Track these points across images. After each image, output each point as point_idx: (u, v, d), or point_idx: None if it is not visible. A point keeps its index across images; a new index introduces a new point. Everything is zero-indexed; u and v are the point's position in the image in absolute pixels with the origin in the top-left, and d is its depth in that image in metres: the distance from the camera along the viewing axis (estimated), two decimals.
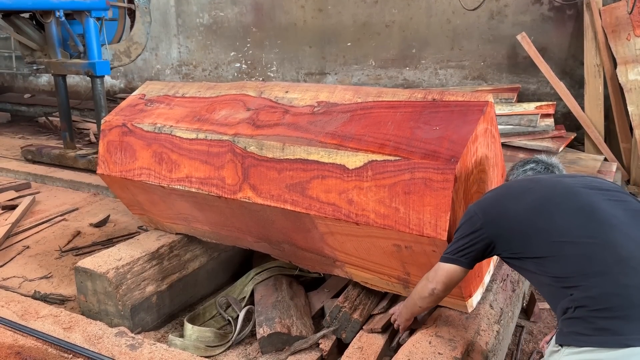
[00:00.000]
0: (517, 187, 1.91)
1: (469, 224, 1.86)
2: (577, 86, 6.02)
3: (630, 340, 1.44)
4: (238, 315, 2.86)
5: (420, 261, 2.18)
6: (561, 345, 1.57)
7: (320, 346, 2.54)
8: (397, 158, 2.11)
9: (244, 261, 3.57)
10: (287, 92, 2.74)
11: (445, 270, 1.88)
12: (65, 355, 2.26)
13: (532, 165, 2.09)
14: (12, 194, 5.02)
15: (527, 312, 3.11)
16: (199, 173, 2.68)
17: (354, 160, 2.21)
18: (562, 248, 1.63)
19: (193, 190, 2.69)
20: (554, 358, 1.59)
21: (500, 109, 5.33)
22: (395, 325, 2.37)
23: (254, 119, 2.64)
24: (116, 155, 3.03)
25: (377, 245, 2.25)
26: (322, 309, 2.94)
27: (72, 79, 9.53)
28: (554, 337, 1.65)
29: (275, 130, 2.52)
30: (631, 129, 5.28)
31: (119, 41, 6.20)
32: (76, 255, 3.85)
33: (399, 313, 2.31)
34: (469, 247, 1.83)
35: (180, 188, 2.73)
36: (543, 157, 2.12)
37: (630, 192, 2.07)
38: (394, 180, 2.10)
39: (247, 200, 2.50)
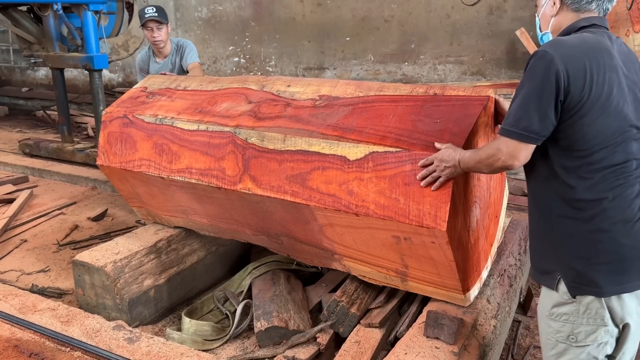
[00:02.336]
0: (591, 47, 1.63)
1: (538, 63, 1.59)
2: None
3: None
4: (236, 309, 2.86)
5: (419, 253, 2.18)
6: (572, 294, 1.68)
7: (318, 340, 2.54)
8: (399, 149, 2.11)
9: (242, 255, 3.57)
10: (289, 86, 2.74)
11: (524, 150, 1.63)
12: (63, 348, 2.26)
13: None
14: (9, 187, 5.01)
15: (524, 307, 3.12)
16: (199, 164, 2.67)
17: (355, 151, 2.21)
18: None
19: (193, 181, 2.68)
20: (572, 308, 1.70)
21: None
22: (435, 178, 1.98)
23: (255, 112, 2.64)
24: (116, 147, 3.02)
25: (376, 237, 2.25)
26: (320, 303, 2.94)
27: (70, 73, 9.50)
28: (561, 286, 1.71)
29: (276, 122, 2.52)
30: None
31: (117, 35, 6.18)
32: (74, 249, 3.85)
33: (457, 159, 1.88)
34: (543, 105, 1.58)
35: (180, 179, 2.73)
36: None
37: None
38: (395, 172, 2.10)
39: (247, 192, 2.50)
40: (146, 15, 3.77)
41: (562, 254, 1.70)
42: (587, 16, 1.74)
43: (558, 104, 1.58)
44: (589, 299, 1.66)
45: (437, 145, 2.03)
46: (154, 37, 3.83)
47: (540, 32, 1.89)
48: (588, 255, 1.65)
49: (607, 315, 1.66)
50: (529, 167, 1.76)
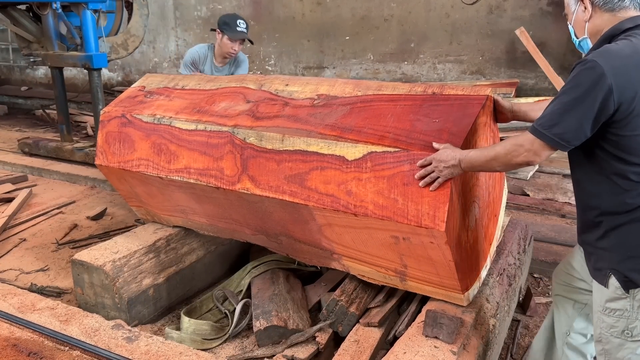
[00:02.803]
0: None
1: (587, 73, 1.56)
2: None
3: None
4: (235, 309, 2.86)
5: (418, 253, 2.18)
6: (625, 289, 1.72)
7: (317, 339, 2.54)
8: (397, 149, 2.11)
9: (241, 254, 3.57)
10: (287, 85, 2.73)
11: (549, 152, 1.67)
12: (62, 347, 2.26)
13: None
14: (8, 186, 5.01)
15: (523, 306, 3.12)
16: (197, 164, 2.67)
17: (353, 151, 2.21)
18: None
19: (191, 181, 2.68)
20: (626, 303, 1.74)
21: None
22: (433, 178, 1.96)
23: (253, 111, 2.63)
24: (115, 146, 3.02)
25: (375, 237, 2.25)
26: (319, 302, 2.94)
27: (70, 72, 9.51)
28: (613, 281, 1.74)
29: (274, 121, 2.51)
30: None
31: (116, 34, 6.18)
32: (73, 248, 3.85)
33: (457, 159, 1.88)
34: (581, 117, 1.58)
35: (179, 179, 2.73)
36: None
37: None
38: (393, 172, 2.10)
39: (245, 192, 2.49)
40: (239, 29, 3.80)
41: (613, 251, 1.73)
42: (626, 15, 1.69)
43: (600, 118, 1.58)
44: None
45: (435, 145, 2.02)
46: (234, 50, 3.87)
47: (577, 38, 1.85)
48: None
49: None
50: (578, 169, 1.80)
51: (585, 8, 1.76)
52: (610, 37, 1.70)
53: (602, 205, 1.73)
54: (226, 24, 3.83)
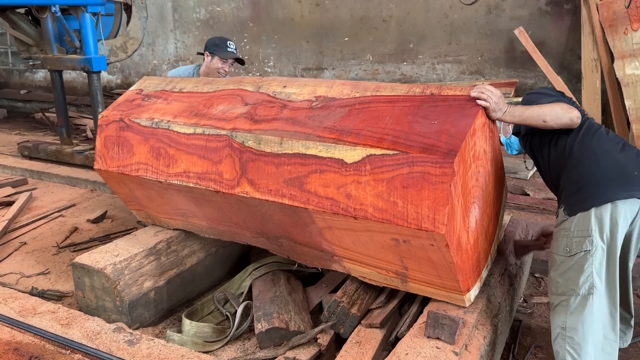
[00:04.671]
0: None
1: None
2: (574, 80, 6.03)
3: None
4: (236, 311, 2.86)
5: (418, 255, 2.18)
6: (569, 215, 2.23)
7: (319, 341, 2.54)
8: (396, 152, 2.11)
9: (242, 256, 3.56)
10: (285, 86, 2.73)
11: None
12: (63, 351, 2.26)
13: None
14: (8, 190, 5.01)
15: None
16: (196, 168, 2.67)
17: (352, 154, 2.20)
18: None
19: (191, 185, 2.68)
20: (567, 224, 2.22)
21: None
22: (486, 98, 2.23)
23: (251, 114, 2.63)
24: (113, 151, 3.02)
25: (375, 239, 2.25)
26: (320, 304, 2.94)
27: (69, 75, 9.51)
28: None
29: (273, 124, 2.51)
30: (628, 123, 5.29)
31: (115, 36, 6.18)
32: (73, 251, 3.85)
33: (504, 107, 2.27)
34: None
35: (178, 183, 2.73)
36: None
37: None
38: (393, 174, 2.09)
39: (245, 195, 2.49)
40: (229, 49, 3.81)
41: (562, 194, 2.31)
42: None
43: None
44: (579, 214, 2.17)
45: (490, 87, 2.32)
46: (225, 70, 3.86)
47: (506, 138, 2.74)
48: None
49: (593, 227, 2.13)
50: (543, 157, 2.45)
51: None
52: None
53: (562, 170, 2.34)
54: (216, 45, 3.82)
